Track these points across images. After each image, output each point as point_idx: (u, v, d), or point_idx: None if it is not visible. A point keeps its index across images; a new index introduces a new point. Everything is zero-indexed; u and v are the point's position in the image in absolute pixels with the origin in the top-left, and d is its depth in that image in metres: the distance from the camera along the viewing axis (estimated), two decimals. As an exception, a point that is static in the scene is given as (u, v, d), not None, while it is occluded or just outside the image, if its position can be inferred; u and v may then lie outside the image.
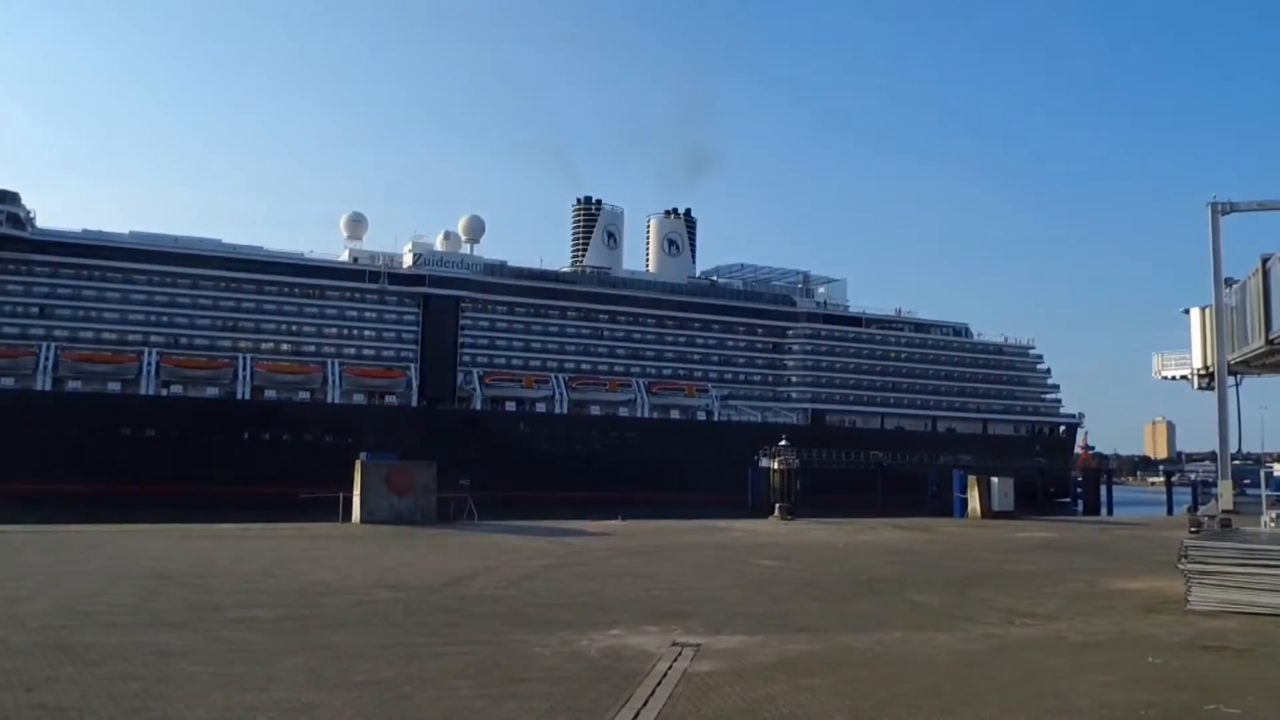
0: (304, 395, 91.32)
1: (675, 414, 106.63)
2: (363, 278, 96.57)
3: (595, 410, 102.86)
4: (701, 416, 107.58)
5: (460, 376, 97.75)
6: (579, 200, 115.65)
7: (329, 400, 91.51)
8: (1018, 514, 42.51)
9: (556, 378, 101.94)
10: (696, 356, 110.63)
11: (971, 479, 43.57)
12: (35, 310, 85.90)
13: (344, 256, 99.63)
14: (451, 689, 9.69)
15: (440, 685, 9.81)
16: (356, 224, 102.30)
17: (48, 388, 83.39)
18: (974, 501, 42.16)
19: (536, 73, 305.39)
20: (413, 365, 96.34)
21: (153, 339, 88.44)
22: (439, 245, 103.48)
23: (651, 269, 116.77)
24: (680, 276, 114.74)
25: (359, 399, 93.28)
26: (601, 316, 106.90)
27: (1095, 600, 17.10)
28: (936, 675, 10.89)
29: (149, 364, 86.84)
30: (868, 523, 37.99)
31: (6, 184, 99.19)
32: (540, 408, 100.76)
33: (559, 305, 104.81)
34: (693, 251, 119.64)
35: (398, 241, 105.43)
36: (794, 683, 10.29)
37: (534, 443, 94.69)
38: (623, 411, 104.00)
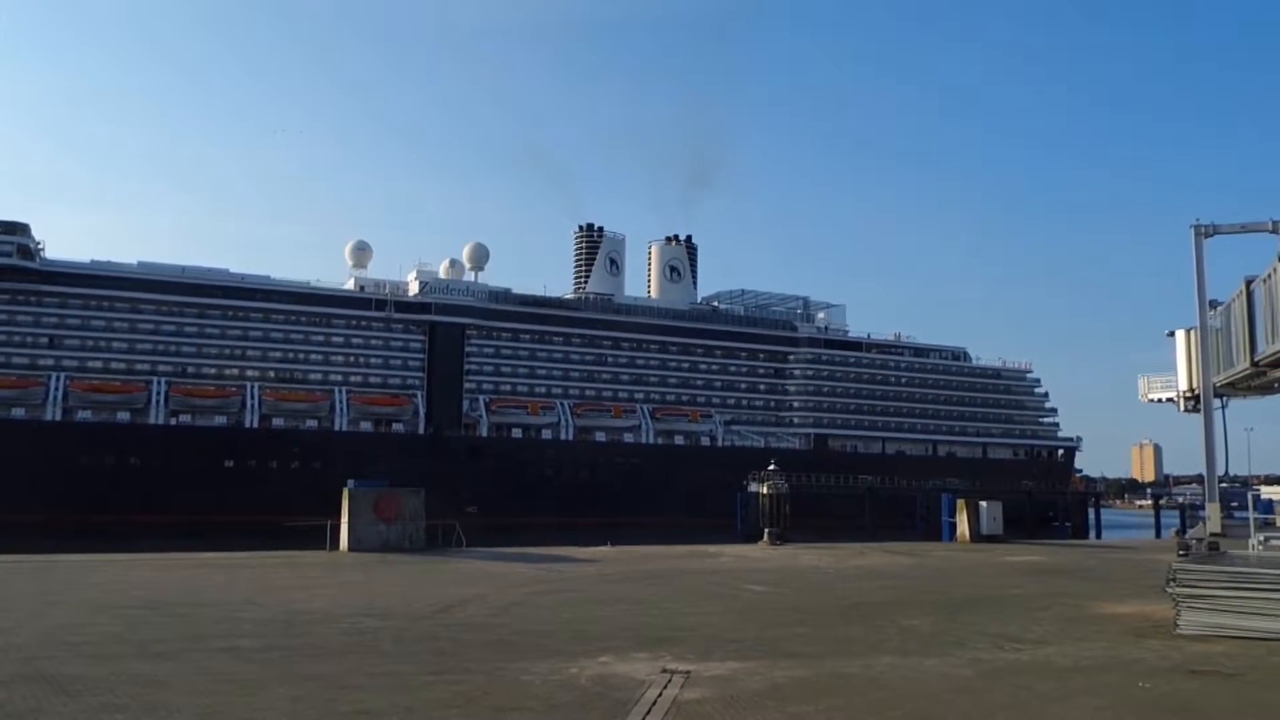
0: (311, 423, 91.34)
1: (679, 439, 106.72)
2: (369, 306, 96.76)
3: (600, 436, 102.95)
4: (706, 441, 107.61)
5: (466, 404, 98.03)
6: (581, 227, 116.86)
7: (336, 428, 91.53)
8: (1006, 538, 42.49)
9: (561, 404, 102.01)
10: (700, 382, 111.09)
11: (959, 502, 43.54)
12: (44, 340, 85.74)
13: (350, 284, 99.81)
14: (440, 719, 9.63)
15: (429, 715, 9.75)
16: (361, 252, 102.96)
17: (57, 418, 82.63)
18: (962, 525, 42.12)
19: (537, 95, 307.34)
20: (419, 393, 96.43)
21: (160, 368, 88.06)
22: (443, 273, 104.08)
23: (653, 295, 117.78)
24: (682, 303, 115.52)
25: (366, 426, 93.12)
26: (605, 343, 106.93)
27: (1084, 625, 17.10)
28: (926, 701, 10.87)
29: (158, 393, 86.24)
30: (856, 547, 37.99)
31: (15, 215, 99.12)
32: (546, 434, 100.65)
33: (563, 332, 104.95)
34: (694, 278, 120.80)
35: (402, 269, 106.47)
36: (784, 710, 10.24)
37: (539, 469, 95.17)
38: (627, 437, 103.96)
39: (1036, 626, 16.68)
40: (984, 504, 43.13)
